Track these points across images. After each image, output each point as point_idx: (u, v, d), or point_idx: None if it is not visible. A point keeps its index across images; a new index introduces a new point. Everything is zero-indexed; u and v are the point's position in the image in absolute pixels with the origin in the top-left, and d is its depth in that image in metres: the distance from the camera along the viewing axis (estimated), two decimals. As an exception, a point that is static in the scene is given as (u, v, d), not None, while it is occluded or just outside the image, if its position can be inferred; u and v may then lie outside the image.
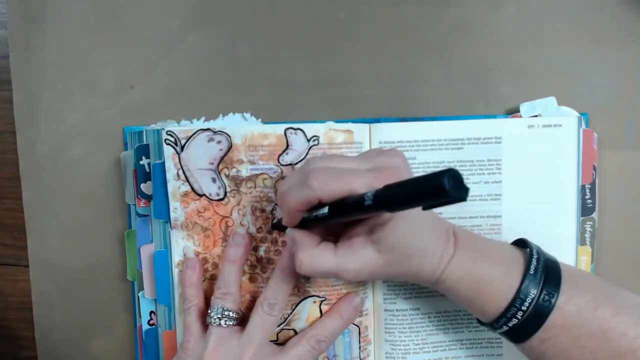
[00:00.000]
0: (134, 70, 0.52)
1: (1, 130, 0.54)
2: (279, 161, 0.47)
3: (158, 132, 0.48)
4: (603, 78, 0.51)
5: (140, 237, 0.50)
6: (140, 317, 0.51)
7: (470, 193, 0.48)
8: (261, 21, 0.52)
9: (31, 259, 0.54)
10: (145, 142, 0.49)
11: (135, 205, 0.50)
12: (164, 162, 0.47)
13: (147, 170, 0.49)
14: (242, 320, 0.46)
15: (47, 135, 0.53)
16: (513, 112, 0.51)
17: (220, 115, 0.51)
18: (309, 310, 0.48)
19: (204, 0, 0.52)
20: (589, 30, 0.51)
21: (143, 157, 0.49)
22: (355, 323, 0.50)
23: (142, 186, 0.50)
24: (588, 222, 0.50)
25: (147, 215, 0.50)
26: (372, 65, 0.52)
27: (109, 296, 0.54)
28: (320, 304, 0.48)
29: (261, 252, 0.48)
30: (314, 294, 0.48)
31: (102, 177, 0.53)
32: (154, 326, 0.51)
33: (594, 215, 0.50)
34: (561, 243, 0.50)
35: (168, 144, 0.47)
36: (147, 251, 0.50)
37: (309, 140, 0.48)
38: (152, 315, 0.51)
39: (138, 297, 0.51)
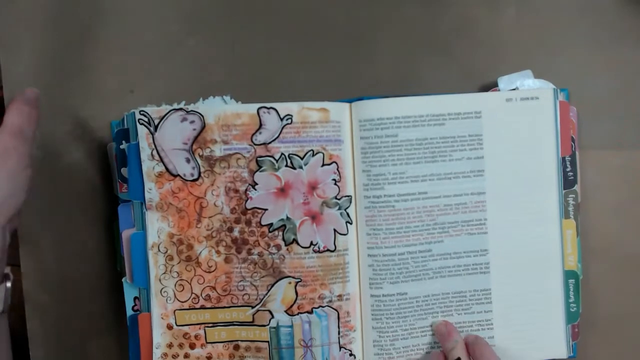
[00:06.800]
0: (134, 74, 0.52)
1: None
2: (252, 141, 0.47)
3: (134, 114, 0.48)
4: (603, 78, 0.51)
5: (123, 222, 0.50)
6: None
7: (454, 170, 0.48)
8: (261, 24, 0.51)
9: (24, 266, 0.53)
10: (125, 127, 0.50)
11: (117, 190, 0.51)
12: (138, 143, 0.47)
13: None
14: None
15: (44, 141, 0.52)
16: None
17: (201, 99, 0.51)
18: (284, 291, 0.48)
19: (203, 5, 0.52)
20: (588, 31, 0.51)
21: (123, 142, 0.49)
22: (334, 307, 0.48)
23: (123, 170, 0.50)
24: (571, 195, 0.49)
25: (129, 201, 0.50)
26: (372, 67, 0.51)
27: (105, 299, 0.53)
28: (296, 285, 0.47)
29: (236, 233, 0.48)
30: (289, 274, 0.47)
31: (100, 183, 0.52)
32: (138, 311, 0.51)
33: (576, 187, 0.49)
34: (545, 217, 0.49)
35: (142, 124, 0.47)
36: (127, 235, 0.50)
37: (282, 119, 0.47)
38: (137, 300, 0.51)
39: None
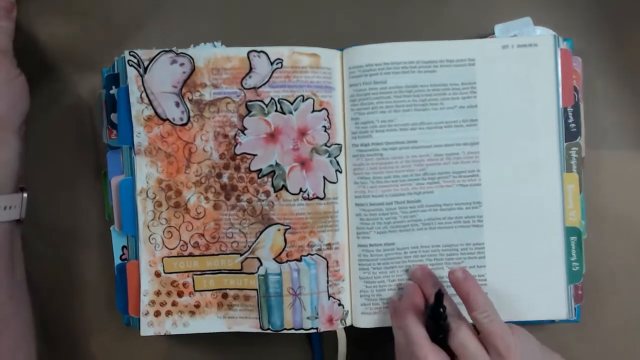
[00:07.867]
0: (124, 23, 0.52)
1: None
2: (242, 85, 0.46)
3: (124, 58, 0.48)
4: (607, 31, 0.50)
5: (112, 169, 0.50)
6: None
7: (445, 119, 0.47)
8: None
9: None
10: (116, 72, 0.49)
11: (107, 137, 0.50)
12: (127, 86, 0.47)
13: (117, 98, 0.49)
14: None
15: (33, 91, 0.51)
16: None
17: (192, 45, 0.50)
18: (273, 238, 0.47)
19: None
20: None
21: (113, 87, 0.49)
22: (324, 256, 0.48)
23: (112, 116, 0.49)
24: (573, 148, 0.47)
25: (118, 148, 0.50)
26: (365, 15, 0.51)
27: (95, 250, 0.53)
28: (285, 232, 0.47)
29: (225, 179, 0.47)
30: (278, 221, 0.47)
31: (91, 132, 0.52)
32: (126, 260, 0.50)
33: (580, 140, 0.47)
34: (544, 170, 0.47)
35: (131, 65, 0.46)
36: (116, 182, 0.49)
37: (272, 64, 0.46)
38: (125, 250, 0.50)
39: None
